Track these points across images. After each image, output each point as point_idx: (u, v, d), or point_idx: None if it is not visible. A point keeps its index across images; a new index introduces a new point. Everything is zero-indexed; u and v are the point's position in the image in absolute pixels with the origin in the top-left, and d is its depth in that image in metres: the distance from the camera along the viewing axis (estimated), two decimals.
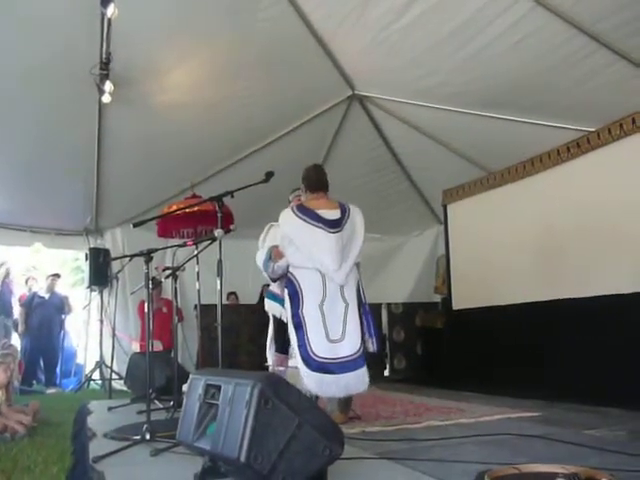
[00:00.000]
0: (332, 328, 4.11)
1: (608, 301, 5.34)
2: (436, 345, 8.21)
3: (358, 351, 4.13)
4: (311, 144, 7.64)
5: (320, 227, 4.22)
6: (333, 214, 4.31)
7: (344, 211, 4.37)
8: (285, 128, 7.29)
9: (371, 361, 8.28)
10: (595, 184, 5.70)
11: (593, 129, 5.80)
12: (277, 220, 4.45)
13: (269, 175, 4.09)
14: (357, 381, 4.08)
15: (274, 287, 4.77)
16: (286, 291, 4.31)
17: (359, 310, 4.26)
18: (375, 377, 7.77)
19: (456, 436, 3.64)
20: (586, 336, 5.50)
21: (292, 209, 4.38)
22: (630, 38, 4.84)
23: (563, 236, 6.01)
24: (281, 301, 4.50)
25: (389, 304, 8.78)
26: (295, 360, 4.19)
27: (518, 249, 6.59)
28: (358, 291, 4.34)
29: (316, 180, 4.51)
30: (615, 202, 5.44)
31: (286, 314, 4.32)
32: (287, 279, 4.33)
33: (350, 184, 8.17)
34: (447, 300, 7.97)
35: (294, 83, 6.46)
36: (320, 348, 4.06)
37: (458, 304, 7.58)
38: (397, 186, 8.87)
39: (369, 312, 4.40)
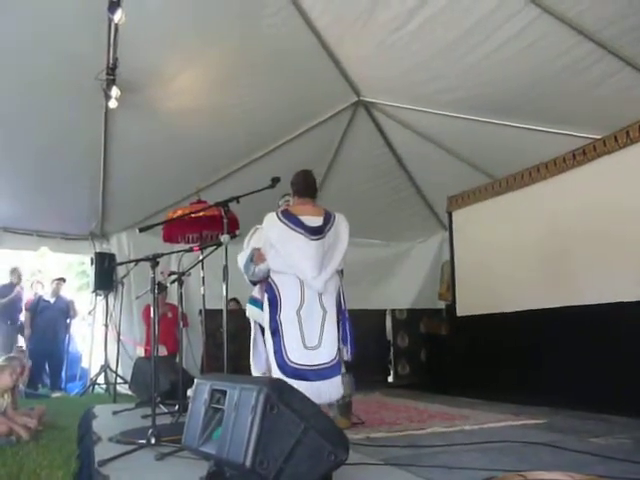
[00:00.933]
0: (309, 335, 4.11)
1: (613, 309, 5.32)
2: (440, 351, 8.20)
3: (334, 359, 4.14)
4: (317, 150, 7.66)
5: (301, 233, 4.23)
6: (316, 221, 4.31)
7: (328, 218, 4.37)
8: (291, 134, 7.31)
9: (375, 367, 8.30)
10: (601, 192, 5.69)
11: (599, 136, 5.79)
12: None
13: (275, 181, 4.10)
14: (331, 389, 4.09)
15: (255, 292, 4.75)
16: (265, 296, 4.32)
17: (337, 317, 4.26)
18: (379, 383, 7.85)
19: (460, 443, 3.64)
20: (591, 343, 5.48)
21: (276, 213, 4.39)
22: (636, 45, 4.83)
23: (568, 243, 6.00)
24: (261, 306, 4.47)
25: (393, 310, 8.78)
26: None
27: (523, 256, 6.58)
28: (338, 298, 4.34)
29: (304, 186, 4.52)
30: (621, 210, 5.43)
31: (264, 319, 4.32)
32: (267, 284, 4.34)
33: (355, 190, 8.19)
34: (451, 306, 7.97)
35: (300, 89, 6.47)
36: (296, 354, 4.07)
37: (462, 311, 7.57)
38: (402, 192, 8.87)
39: (347, 319, 4.38)
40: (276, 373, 4.06)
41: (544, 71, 5.44)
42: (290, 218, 4.30)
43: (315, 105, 7.02)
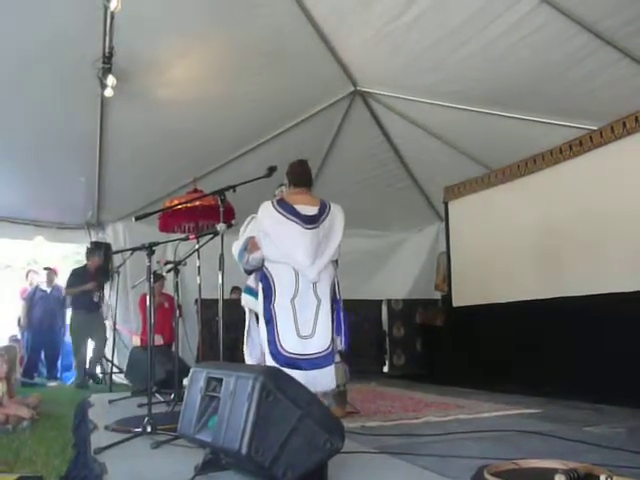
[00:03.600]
0: (303, 324, 4.12)
1: (608, 299, 5.34)
2: (436, 342, 8.22)
3: (328, 348, 4.14)
4: (313, 140, 7.64)
5: (296, 222, 4.22)
6: (311, 210, 4.31)
7: (323, 208, 4.37)
8: (287, 123, 7.28)
9: (370, 357, 8.31)
10: (597, 183, 5.70)
11: (596, 127, 5.79)
12: None
13: (271, 170, 4.09)
14: (325, 378, 4.09)
15: (251, 281, 4.76)
16: (260, 285, 4.32)
17: (332, 307, 4.27)
18: (374, 373, 7.87)
19: (455, 432, 3.65)
20: (585, 334, 5.50)
21: (272, 202, 4.38)
22: (634, 36, 4.82)
23: (564, 234, 6.02)
24: (256, 295, 4.48)
25: (389, 300, 8.78)
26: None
27: (519, 247, 6.59)
28: (332, 288, 4.33)
29: (300, 175, 4.51)
30: (617, 201, 5.44)
31: (258, 308, 4.33)
32: (261, 273, 4.33)
33: (351, 180, 8.18)
34: (447, 297, 7.98)
35: (296, 78, 6.45)
36: (289, 343, 4.07)
37: (458, 301, 7.59)
38: (398, 182, 8.86)
39: (342, 309, 4.39)
40: (270, 362, 4.07)
41: (541, 62, 5.43)
42: (285, 207, 4.29)
43: (312, 95, 6.99)
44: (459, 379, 6.72)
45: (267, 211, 4.32)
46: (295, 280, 4.18)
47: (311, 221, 4.26)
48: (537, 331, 6.08)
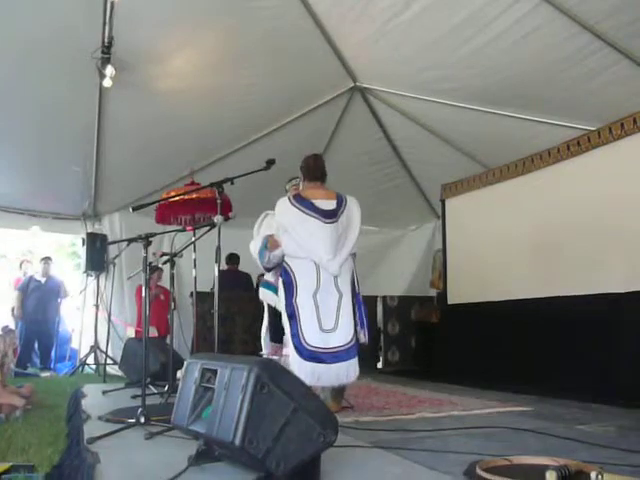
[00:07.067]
0: (325, 318, 4.14)
1: (602, 300, 5.35)
2: (430, 339, 8.24)
3: (350, 341, 4.16)
4: (312, 134, 7.63)
5: (315, 217, 4.23)
6: (329, 204, 4.32)
7: (340, 202, 4.37)
8: (286, 117, 7.28)
9: (365, 353, 8.30)
10: (594, 183, 5.70)
11: (594, 128, 5.80)
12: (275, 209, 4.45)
13: (270, 163, 4.08)
14: (348, 371, 4.12)
15: (268, 276, 4.77)
16: (280, 280, 4.32)
17: (352, 300, 4.28)
18: (369, 369, 7.88)
19: (448, 428, 3.66)
20: (579, 333, 5.52)
21: (289, 198, 4.38)
22: (634, 38, 4.84)
23: (561, 234, 6.02)
24: (275, 289, 4.50)
25: (385, 297, 8.79)
26: (288, 349, 4.21)
27: (515, 246, 6.60)
28: (352, 281, 4.35)
29: (314, 170, 4.51)
30: (614, 201, 5.45)
31: (280, 303, 4.34)
32: (282, 268, 4.34)
33: (349, 176, 8.16)
34: (442, 294, 7.99)
35: (296, 72, 6.45)
36: (312, 337, 4.09)
37: (453, 299, 7.60)
38: (396, 179, 8.88)
39: (362, 303, 4.42)
40: (293, 356, 4.09)
41: (541, 61, 5.44)
42: (303, 202, 4.29)
43: (311, 89, 6.99)
44: (453, 376, 6.74)
45: (285, 207, 4.32)
46: (316, 274, 4.19)
47: (330, 215, 4.27)
48: (531, 330, 6.09)
